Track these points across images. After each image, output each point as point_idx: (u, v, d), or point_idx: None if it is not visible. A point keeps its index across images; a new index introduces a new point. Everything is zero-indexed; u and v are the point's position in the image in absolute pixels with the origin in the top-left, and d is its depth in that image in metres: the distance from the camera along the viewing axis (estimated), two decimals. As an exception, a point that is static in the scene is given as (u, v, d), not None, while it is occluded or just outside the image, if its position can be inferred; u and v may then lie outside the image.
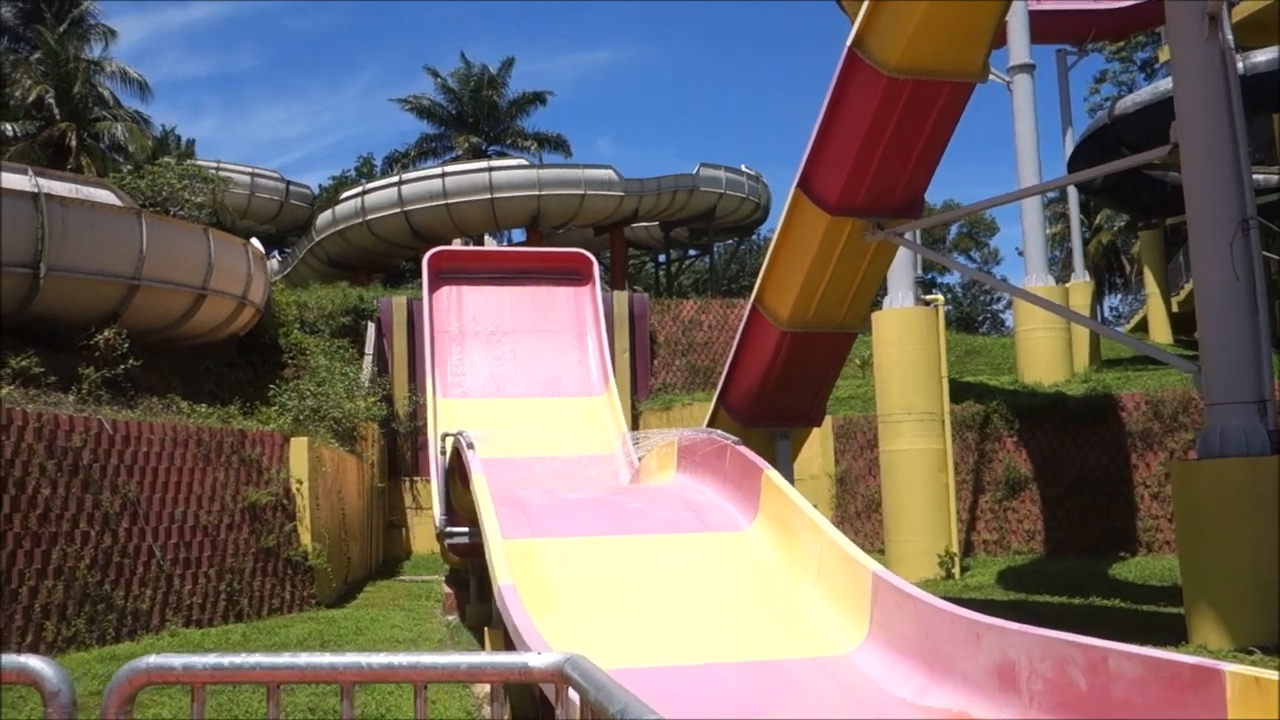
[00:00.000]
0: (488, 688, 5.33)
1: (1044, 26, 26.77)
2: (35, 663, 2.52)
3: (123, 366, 14.80)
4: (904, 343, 18.20)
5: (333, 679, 2.57)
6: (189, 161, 31.25)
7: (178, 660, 2.42)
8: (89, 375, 14.05)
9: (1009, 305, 66.17)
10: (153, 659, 2.43)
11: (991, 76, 20.20)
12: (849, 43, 11.69)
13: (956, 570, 17.76)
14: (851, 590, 8.15)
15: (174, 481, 12.98)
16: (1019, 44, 23.53)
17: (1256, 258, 9.75)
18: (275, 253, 44.74)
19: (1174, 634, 10.76)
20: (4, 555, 10.41)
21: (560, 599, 8.60)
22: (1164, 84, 22.80)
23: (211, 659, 2.44)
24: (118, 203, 16.12)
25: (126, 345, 15.04)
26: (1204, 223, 9.72)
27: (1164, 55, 34.44)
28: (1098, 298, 45.65)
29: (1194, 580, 9.84)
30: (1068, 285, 29.17)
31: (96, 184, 16.66)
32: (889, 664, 7.45)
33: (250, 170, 43.54)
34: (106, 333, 14.93)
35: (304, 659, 2.47)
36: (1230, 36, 10.12)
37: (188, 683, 2.46)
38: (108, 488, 11.90)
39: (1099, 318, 32.63)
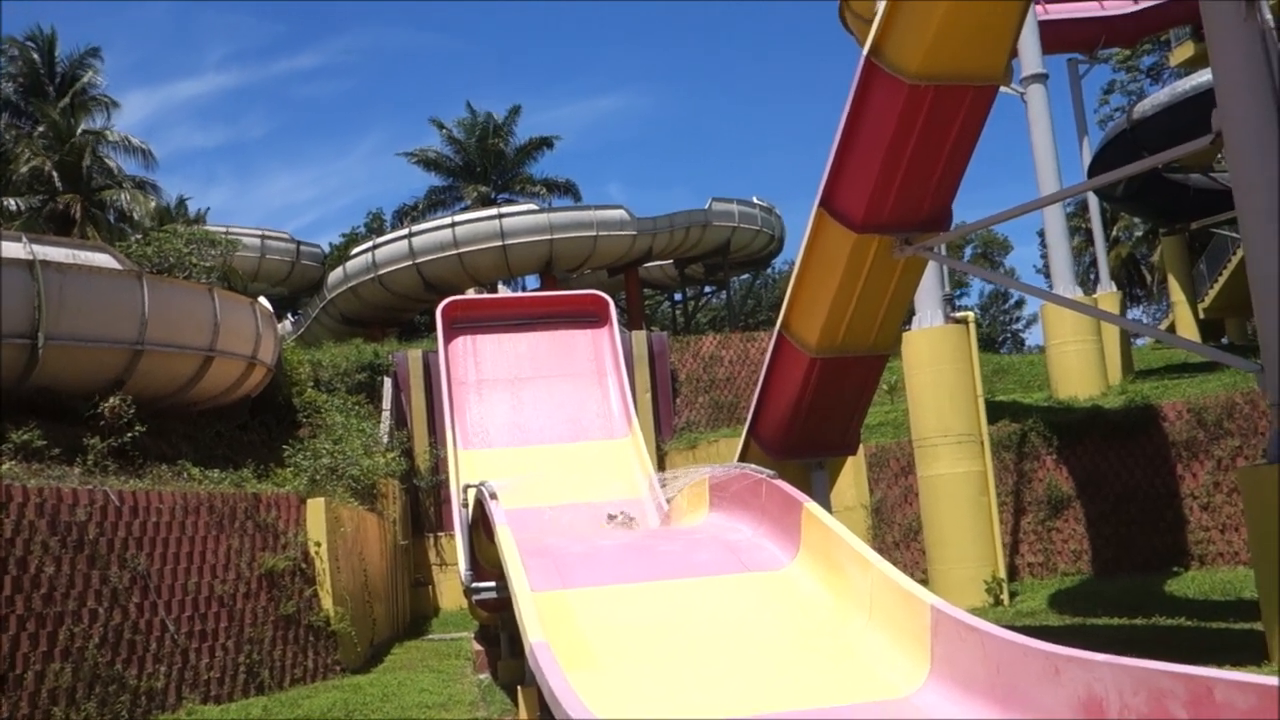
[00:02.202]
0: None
1: (1054, 36, 26.32)
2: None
3: (129, 435, 14.31)
4: (937, 363, 17.65)
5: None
6: (196, 226, 30.98)
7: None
8: (94, 446, 13.56)
9: (1029, 324, 65.66)
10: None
11: (1004, 89, 19.70)
12: (865, 51, 11.18)
13: (1005, 596, 17.10)
14: (908, 626, 7.59)
15: (185, 551, 12.48)
16: (1030, 54, 23.08)
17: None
18: (289, 314, 44.40)
19: (1252, 653, 10.16)
20: (6, 639, 9.87)
21: (597, 653, 8.05)
22: (1182, 84, 22.37)
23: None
24: (117, 266, 15.70)
25: (133, 412, 14.56)
26: (1255, 211, 9.14)
27: (1174, 59, 34.04)
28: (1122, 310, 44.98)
29: (1275, 594, 9.16)
30: (1095, 296, 28.58)
31: (95, 248, 16.27)
32: (956, 704, 6.89)
33: (260, 233, 43.28)
34: (111, 400, 14.45)
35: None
36: (1269, 17, 9.58)
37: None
38: (115, 562, 11.40)
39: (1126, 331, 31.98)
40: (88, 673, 10.58)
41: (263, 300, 20.21)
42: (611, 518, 14.89)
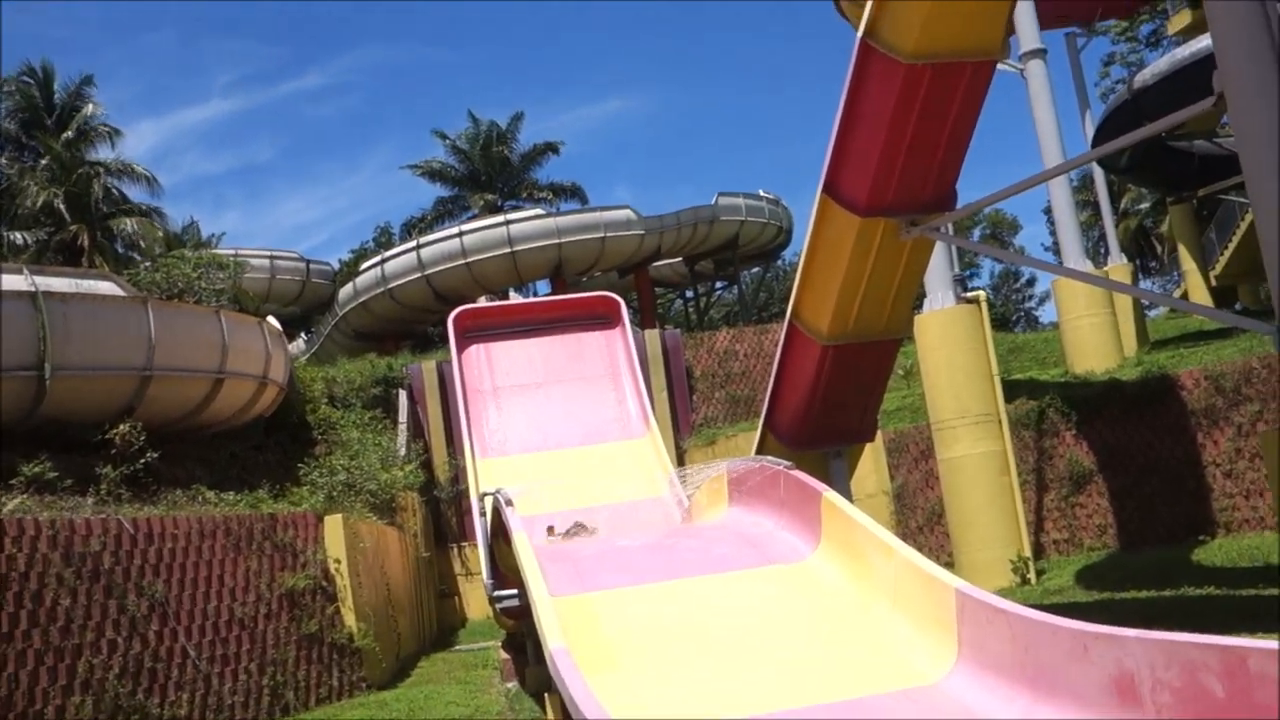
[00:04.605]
0: None
1: (1051, 10, 26.06)
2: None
3: (142, 461, 14.27)
4: (950, 344, 17.51)
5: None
6: (204, 250, 30.97)
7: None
8: (107, 474, 13.52)
9: (1042, 301, 65.30)
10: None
11: (1003, 66, 19.53)
12: (860, 34, 11.08)
13: (1032, 575, 16.95)
14: (934, 611, 7.45)
15: (204, 576, 12.41)
16: (1028, 30, 22.88)
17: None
18: (302, 333, 44.42)
19: (1285, 619, 9.99)
20: (24, 674, 9.80)
21: (619, 656, 7.94)
22: (1182, 51, 22.17)
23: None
24: (121, 294, 15.67)
25: (144, 439, 14.52)
26: (1262, 169, 8.97)
27: (1172, 27, 33.76)
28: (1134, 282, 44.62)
29: (1304, 559, 9.01)
30: (1106, 269, 28.36)
31: (99, 276, 16.25)
32: (986, 688, 6.75)
33: (269, 254, 43.29)
34: (122, 428, 14.41)
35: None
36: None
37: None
38: (132, 590, 11.34)
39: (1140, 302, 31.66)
40: (109, 704, 10.49)
41: (271, 320, 20.16)
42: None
